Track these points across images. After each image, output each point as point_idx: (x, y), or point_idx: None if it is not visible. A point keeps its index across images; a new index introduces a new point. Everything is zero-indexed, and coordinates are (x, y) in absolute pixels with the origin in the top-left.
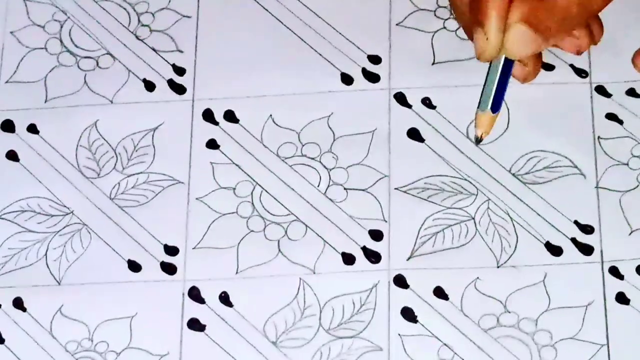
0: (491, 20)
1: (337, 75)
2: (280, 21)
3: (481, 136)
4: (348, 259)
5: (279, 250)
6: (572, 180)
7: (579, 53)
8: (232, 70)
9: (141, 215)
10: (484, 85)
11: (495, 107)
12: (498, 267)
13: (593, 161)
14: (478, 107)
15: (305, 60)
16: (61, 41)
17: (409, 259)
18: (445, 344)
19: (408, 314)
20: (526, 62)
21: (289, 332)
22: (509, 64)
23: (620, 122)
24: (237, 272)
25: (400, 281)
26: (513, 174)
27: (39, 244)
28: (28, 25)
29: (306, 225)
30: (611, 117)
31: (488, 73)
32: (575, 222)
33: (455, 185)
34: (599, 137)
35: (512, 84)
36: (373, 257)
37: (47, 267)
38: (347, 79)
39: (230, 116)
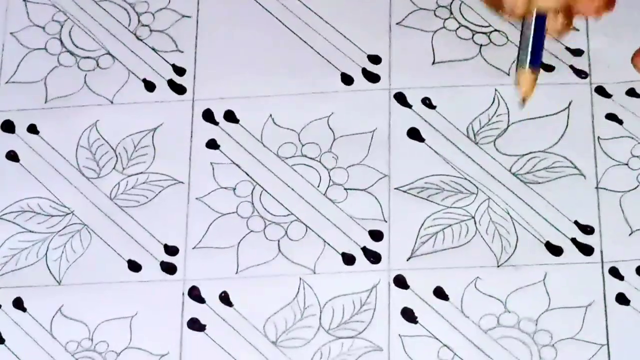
0: None
1: (337, 75)
2: (280, 21)
3: (524, 96)
4: (348, 259)
5: (279, 250)
6: (572, 180)
7: (598, 14)
8: (232, 70)
9: (141, 215)
10: (520, 44)
11: (535, 63)
12: (498, 266)
13: (593, 161)
14: (518, 65)
15: (305, 60)
16: (61, 41)
17: (409, 259)
18: (445, 345)
19: (408, 315)
20: (558, 15)
21: (289, 332)
22: (541, 19)
23: (620, 122)
24: (237, 272)
25: (400, 281)
26: (513, 174)
27: (39, 244)
28: (28, 26)
29: (306, 226)
30: (611, 117)
31: (522, 32)
32: (576, 223)
33: (455, 184)
34: (598, 138)
35: (511, 87)
36: (373, 257)
37: (47, 267)
38: (347, 79)
39: (230, 116)
